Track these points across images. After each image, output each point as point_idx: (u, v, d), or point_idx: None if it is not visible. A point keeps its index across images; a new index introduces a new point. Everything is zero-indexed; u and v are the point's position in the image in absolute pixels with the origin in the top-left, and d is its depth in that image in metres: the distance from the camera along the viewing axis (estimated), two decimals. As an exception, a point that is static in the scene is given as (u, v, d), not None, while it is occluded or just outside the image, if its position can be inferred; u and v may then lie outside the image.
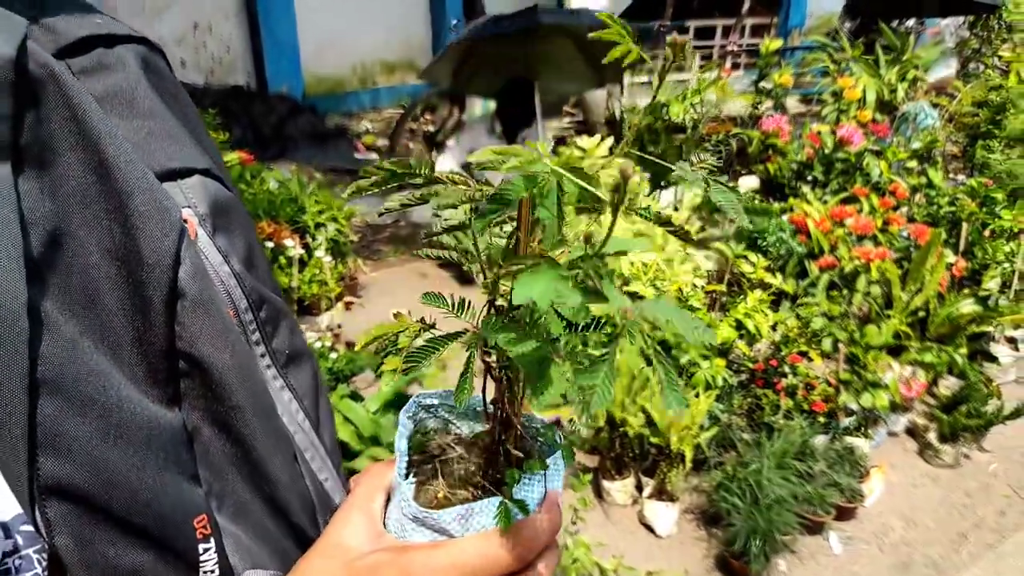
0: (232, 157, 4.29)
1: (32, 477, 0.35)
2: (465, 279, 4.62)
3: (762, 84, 4.68)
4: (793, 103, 6.72)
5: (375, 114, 9.25)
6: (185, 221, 0.47)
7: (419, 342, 0.53)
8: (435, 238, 0.54)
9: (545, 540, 0.48)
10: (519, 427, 0.51)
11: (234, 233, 0.54)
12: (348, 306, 3.72)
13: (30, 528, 0.35)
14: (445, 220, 0.52)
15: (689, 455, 2.65)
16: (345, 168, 7.51)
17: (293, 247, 3.53)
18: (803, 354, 3.21)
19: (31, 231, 0.37)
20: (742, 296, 3.28)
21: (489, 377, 0.50)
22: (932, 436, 3.18)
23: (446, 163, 5.03)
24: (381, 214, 0.56)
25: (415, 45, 9.52)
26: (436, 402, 0.57)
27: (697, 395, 2.78)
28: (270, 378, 0.54)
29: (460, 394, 0.45)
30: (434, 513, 0.46)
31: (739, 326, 3.17)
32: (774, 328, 3.31)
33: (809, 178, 4.13)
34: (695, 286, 3.56)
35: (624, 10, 8.35)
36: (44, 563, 0.36)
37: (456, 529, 0.46)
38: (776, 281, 3.36)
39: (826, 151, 3.95)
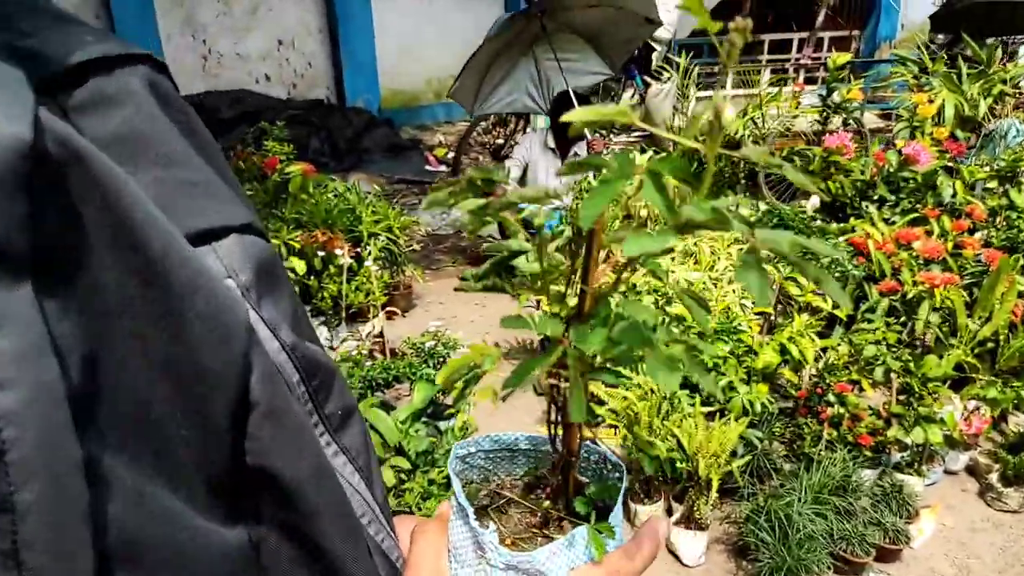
0: (295, 168, 4.46)
1: None
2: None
3: (831, 99, 4.50)
4: (872, 118, 6.43)
5: (449, 127, 9.42)
6: None
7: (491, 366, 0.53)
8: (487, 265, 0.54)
9: (643, 567, 0.47)
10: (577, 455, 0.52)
11: (279, 295, 0.46)
12: (390, 316, 3.78)
13: None
14: (504, 247, 0.52)
15: (716, 482, 2.55)
16: (415, 180, 7.68)
17: (342, 256, 3.63)
18: (855, 383, 3.05)
19: (67, 360, 0.30)
20: (790, 320, 3.14)
21: (553, 405, 0.50)
22: (994, 477, 2.96)
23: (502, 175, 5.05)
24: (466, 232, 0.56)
25: (491, 59, 9.69)
26: (473, 449, 0.57)
27: (727, 421, 2.68)
28: (324, 445, 0.49)
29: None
30: (528, 556, 0.45)
31: (783, 351, 3.04)
32: (824, 352, 3.16)
33: (876, 198, 3.93)
34: (743, 307, 3.44)
35: (695, 28, 8.20)
36: None
37: (550, 568, 0.45)
38: (826, 305, 3.20)
39: (890, 169, 3.75)
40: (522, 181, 5.09)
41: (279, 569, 0.41)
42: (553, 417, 0.51)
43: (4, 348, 0.26)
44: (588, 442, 0.55)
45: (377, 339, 3.51)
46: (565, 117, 0.42)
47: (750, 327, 3.29)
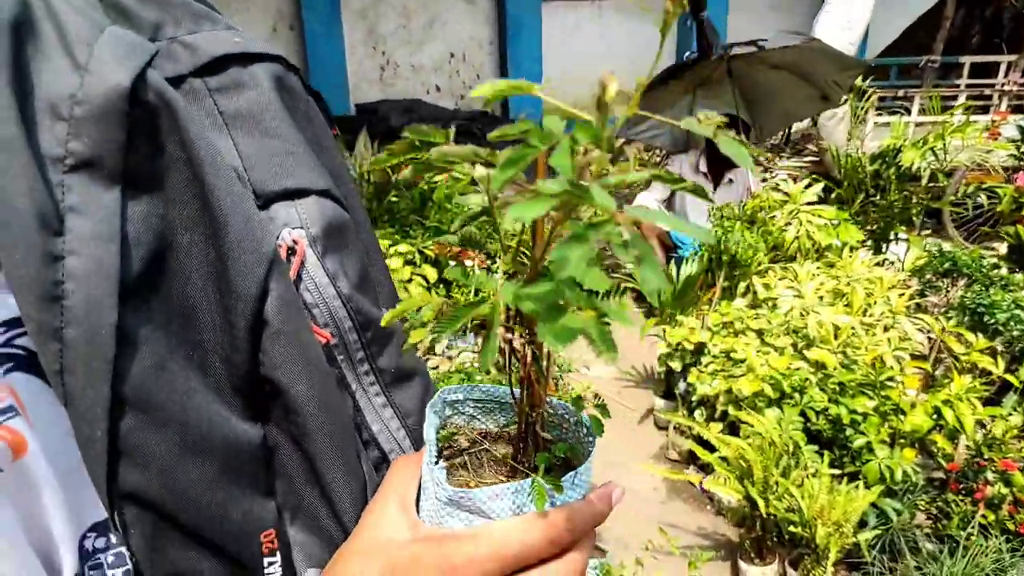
0: (441, 178, 4.58)
1: (112, 484, 0.39)
2: (650, 312, 4.43)
3: (1032, 131, 3.93)
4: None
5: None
6: (295, 242, 0.50)
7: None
8: (458, 230, 0.57)
9: (584, 527, 0.47)
10: (546, 410, 0.52)
11: (347, 254, 0.54)
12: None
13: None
14: (467, 210, 0.53)
15: (834, 554, 2.28)
16: (568, 194, 7.66)
17: (472, 267, 3.66)
18: (1027, 461, 2.62)
19: (135, 252, 0.41)
20: (948, 380, 2.76)
21: (514, 357, 0.50)
22: None
23: (648, 197, 4.87)
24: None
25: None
26: (461, 397, 0.58)
27: (857, 487, 2.38)
28: (372, 395, 0.56)
29: (485, 355, 0.45)
30: (469, 492, 0.46)
31: (938, 414, 2.67)
32: (993, 420, 2.74)
33: (1080, 247, 3.37)
34: (898, 359, 3.07)
35: (888, 45, 7.52)
36: (131, 561, 0.42)
37: (492, 508, 0.46)
38: (997, 368, 2.78)
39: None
40: (669, 203, 4.89)
41: (287, 474, 0.49)
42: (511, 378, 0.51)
43: (85, 228, 0.38)
44: (566, 404, 0.55)
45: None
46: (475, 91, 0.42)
47: (904, 383, 2.93)
